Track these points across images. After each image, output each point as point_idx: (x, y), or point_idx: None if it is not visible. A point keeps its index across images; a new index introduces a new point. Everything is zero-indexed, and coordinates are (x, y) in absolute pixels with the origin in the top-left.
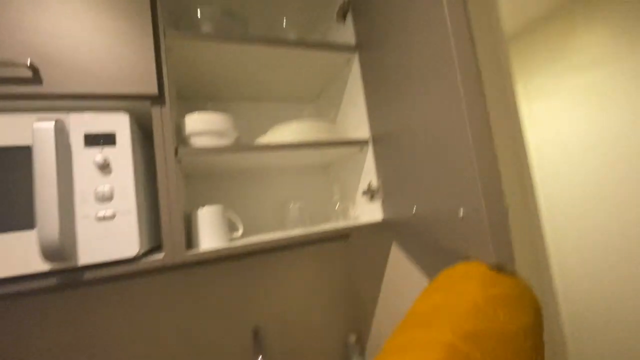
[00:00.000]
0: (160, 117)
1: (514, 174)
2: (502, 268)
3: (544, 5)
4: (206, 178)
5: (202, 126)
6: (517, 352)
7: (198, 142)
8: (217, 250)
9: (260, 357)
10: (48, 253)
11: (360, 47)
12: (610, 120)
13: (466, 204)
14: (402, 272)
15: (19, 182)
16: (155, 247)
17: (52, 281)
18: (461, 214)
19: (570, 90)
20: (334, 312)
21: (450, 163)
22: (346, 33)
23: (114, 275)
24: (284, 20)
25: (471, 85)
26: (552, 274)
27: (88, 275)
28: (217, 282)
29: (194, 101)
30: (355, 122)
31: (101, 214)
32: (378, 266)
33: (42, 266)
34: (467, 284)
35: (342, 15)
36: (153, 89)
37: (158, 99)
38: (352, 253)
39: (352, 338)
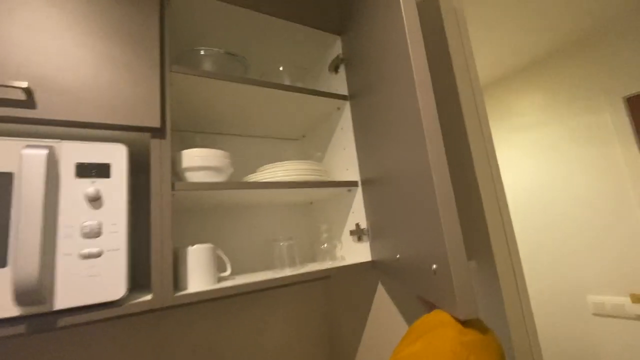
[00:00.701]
0: (160, 150)
1: (497, 215)
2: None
3: (487, 73)
4: (188, 212)
5: (201, 162)
6: None
7: (193, 177)
8: (207, 292)
9: None
10: (22, 295)
11: (351, 96)
12: (551, 169)
13: (437, 260)
14: (387, 313)
15: None
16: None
17: (21, 328)
18: (434, 267)
19: (519, 145)
20: (313, 351)
21: (423, 218)
22: (338, 81)
23: (94, 320)
24: (281, 67)
25: (435, 140)
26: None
27: (65, 321)
28: (191, 323)
29: (181, 134)
30: (343, 163)
31: (86, 251)
32: (361, 306)
33: (12, 311)
34: (444, 332)
35: (335, 68)
36: (156, 122)
37: (159, 131)
38: (333, 293)
39: None
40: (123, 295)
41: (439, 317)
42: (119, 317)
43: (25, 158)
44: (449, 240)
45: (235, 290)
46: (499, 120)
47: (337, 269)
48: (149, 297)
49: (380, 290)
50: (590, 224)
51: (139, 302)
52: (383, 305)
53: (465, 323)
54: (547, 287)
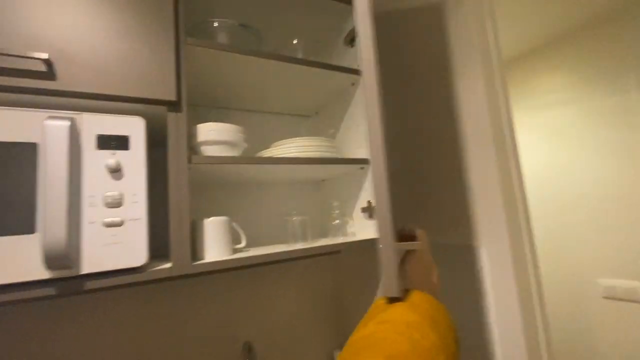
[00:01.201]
0: (176, 124)
1: (514, 200)
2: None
3: (509, 50)
4: (204, 187)
5: (216, 136)
6: None
7: (208, 151)
8: (223, 262)
9: None
10: (51, 260)
11: None
12: (565, 152)
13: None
14: None
15: (20, 182)
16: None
17: (51, 290)
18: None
19: (534, 126)
20: (321, 326)
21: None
22: (353, 55)
23: (117, 285)
24: (295, 40)
25: (374, 125)
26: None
27: (91, 284)
28: (205, 295)
29: (196, 108)
30: (357, 141)
31: (109, 220)
32: (370, 282)
33: (42, 274)
34: (392, 312)
35: (350, 41)
36: (171, 95)
37: (175, 105)
38: (342, 267)
39: (338, 353)
40: (144, 263)
41: (383, 302)
42: (140, 283)
43: (49, 129)
44: (380, 223)
45: (249, 261)
46: (514, 100)
47: (348, 244)
48: (168, 265)
49: None
50: (603, 208)
51: (160, 269)
52: None
53: (413, 303)
54: (558, 269)
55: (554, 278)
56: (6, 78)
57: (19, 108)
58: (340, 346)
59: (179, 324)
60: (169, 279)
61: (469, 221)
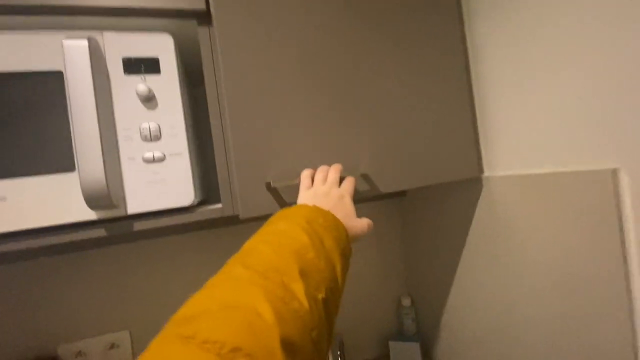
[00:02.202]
0: (209, 40)
1: None
2: None
3: None
4: None
5: None
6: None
7: None
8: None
9: None
10: (92, 199)
11: None
12: None
13: None
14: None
15: (54, 116)
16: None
17: (100, 232)
18: None
19: None
20: (388, 272)
21: None
22: None
23: (167, 226)
24: None
25: None
26: None
27: (140, 225)
28: None
29: None
30: None
31: (149, 155)
32: (435, 225)
33: (89, 214)
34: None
35: None
36: (200, 3)
37: (206, 16)
38: (410, 211)
39: (406, 301)
40: (192, 202)
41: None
42: (192, 225)
43: (67, 49)
44: None
45: None
46: None
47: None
48: (219, 205)
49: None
50: None
51: (210, 209)
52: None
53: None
54: None
55: None
56: None
57: (35, 30)
58: (407, 293)
59: None
60: (223, 222)
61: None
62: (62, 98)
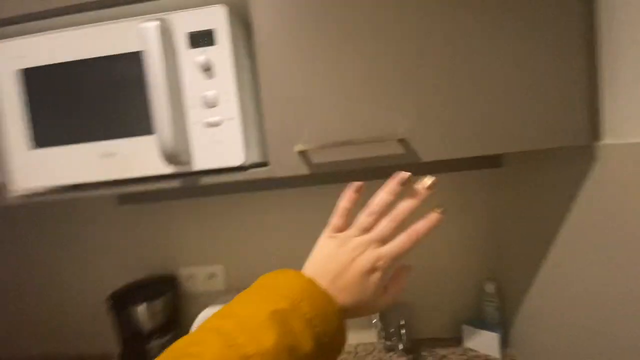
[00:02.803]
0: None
1: None
2: None
3: None
4: None
5: None
6: None
7: None
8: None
9: None
10: (166, 157)
11: None
12: None
13: None
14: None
15: (137, 89)
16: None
17: (174, 183)
18: None
19: None
20: (471, 252)
21: None
22: None
23: (223, 182)
24: None
25: None
26: None
27: (204, 180)
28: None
29: None
30: None
31: (209, 120)
32: (540, 204)
33: (164, 169)
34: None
35: None
36: None
37: None
38: (504, 185)
39: (490, 287)
40: (243, 162)
41: None
42: (242, 184)
43: (141, 33)
44: None
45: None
46: None
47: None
48: (267, 167)
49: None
50: None
51: (258, 171)
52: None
53: None
54: None
55: None
56: None
57: (115, 21)
58: (492, 277)
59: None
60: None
61: None
62: (141, 75)
